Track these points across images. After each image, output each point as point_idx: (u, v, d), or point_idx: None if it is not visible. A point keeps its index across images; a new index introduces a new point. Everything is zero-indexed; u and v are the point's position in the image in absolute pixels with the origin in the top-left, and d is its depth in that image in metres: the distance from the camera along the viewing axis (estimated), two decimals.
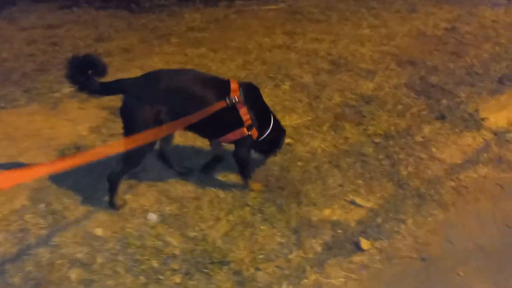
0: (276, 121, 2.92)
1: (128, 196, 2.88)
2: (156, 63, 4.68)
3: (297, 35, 5.48)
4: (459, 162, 3.27)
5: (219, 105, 2.49)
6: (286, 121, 3.62)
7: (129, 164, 2.64)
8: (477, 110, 3.76)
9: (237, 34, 5.61)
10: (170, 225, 2.69)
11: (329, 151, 3.33)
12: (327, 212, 2.79)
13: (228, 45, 5.18)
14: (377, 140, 3.47)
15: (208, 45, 5.19)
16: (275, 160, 3.18)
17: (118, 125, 2.89)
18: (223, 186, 2.98)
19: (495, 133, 3.55)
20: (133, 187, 2.96)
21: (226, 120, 2.61)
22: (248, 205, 2.82)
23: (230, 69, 4.52)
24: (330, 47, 5.04)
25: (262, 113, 2.78)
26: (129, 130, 2.49)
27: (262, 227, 2.67)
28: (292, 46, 5.10)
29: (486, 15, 6.01)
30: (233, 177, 3.04)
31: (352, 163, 3.22)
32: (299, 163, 3.19)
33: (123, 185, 2.81)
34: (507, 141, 3.48)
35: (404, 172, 3.14)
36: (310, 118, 3.72)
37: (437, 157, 3.31)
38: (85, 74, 2.48)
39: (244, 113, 2.58)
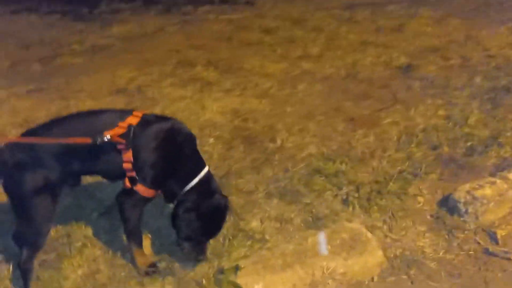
0: (208, 187, 2.13)
1: None
2: None
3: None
4: None
5: (81, 140, 1.91)
6: None
7: (34, 245, 2.11)
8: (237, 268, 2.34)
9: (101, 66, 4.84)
10: None
11: None
12: None
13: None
14: None
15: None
16: None
17: None
18: None
19: None
20: None
21: (111, 164, 2.02)
22: None
23: None
24: None
25: (172, 165, 2.09)
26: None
27: None
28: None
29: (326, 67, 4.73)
30: None
31: None
32: None
33: None
34: None
35: None
36: None
37: None
38: None
39: (127, 159, 1.97)
